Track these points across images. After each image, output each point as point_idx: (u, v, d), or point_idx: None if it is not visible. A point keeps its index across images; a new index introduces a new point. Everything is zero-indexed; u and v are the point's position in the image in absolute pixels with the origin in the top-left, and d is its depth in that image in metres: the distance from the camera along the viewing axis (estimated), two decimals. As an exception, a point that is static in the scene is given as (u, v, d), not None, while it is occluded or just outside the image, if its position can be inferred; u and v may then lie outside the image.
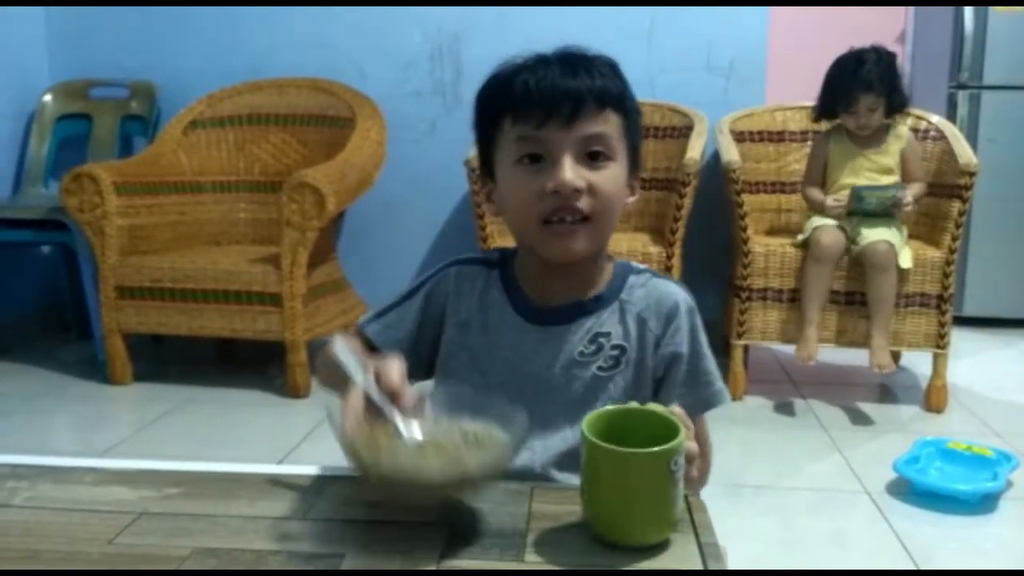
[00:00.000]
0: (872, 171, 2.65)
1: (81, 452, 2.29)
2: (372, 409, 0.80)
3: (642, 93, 1.02)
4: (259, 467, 0.93)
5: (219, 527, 0.79)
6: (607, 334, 0.97)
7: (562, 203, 0.90)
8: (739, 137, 2.90)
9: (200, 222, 3.06)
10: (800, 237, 2.64)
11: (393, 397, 0.81)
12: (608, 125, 0.92)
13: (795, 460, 2.28)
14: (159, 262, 2.73)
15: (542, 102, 0.90)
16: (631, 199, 0.99)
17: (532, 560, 0.72)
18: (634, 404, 0.82)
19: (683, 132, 2.83)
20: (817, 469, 2.22)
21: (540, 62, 0.93)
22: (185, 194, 3.03)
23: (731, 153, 2.71)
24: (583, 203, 0.91)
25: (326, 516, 0.81)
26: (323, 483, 0.87)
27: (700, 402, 0.98)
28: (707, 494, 0.99)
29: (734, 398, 2.60)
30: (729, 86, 3.12)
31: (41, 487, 0.87)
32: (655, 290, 0.98)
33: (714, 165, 2.85)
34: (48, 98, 3.22)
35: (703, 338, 0.99)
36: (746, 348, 2.70)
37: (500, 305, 0.98)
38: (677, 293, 0.98)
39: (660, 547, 0.74)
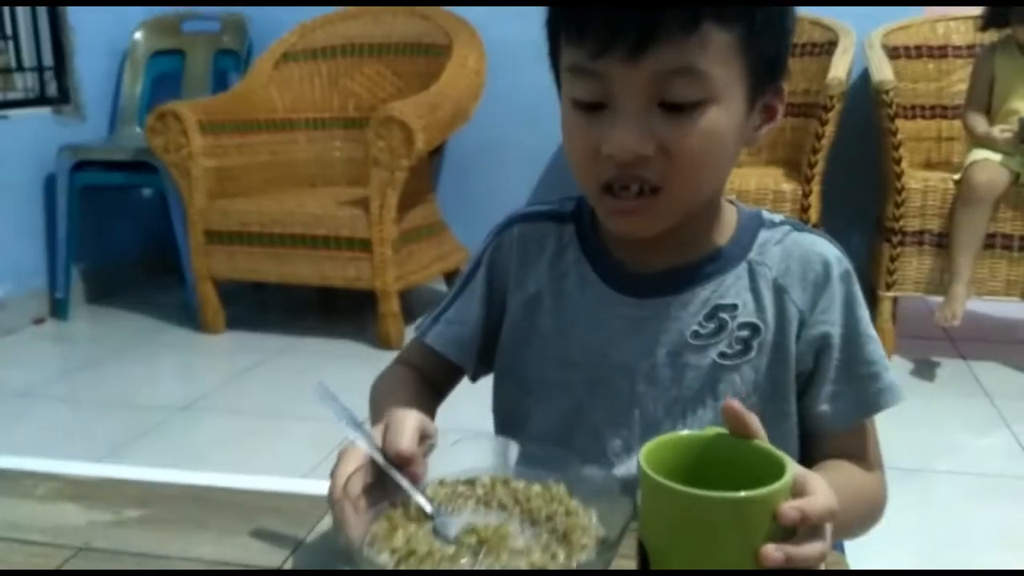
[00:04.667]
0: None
1: (161, 406, 2.20)
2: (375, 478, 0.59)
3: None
4: (252, 480, 0.73)
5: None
6: (732, 307, 0.72)
7: (622, 171, 0.65)
8: (893, 53, 2.66)
9: (293, 162, 2.93)
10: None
11: (403, 465, 0.59)
12: (706, 50, 0.62)
13: (954, 436, 2.03)
14: (246, 205, 2.61)
15: (598, 16, 0.62)
16: (765, 129, 0.71)
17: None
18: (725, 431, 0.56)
19: (826, 48, 2.60)
20: (981, 448, 1.98)
21: None
22: (277, 132, 2.90)
23: (884, 71, 2.45)
24: (652, 172, 0.64)
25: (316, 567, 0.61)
26: (326, 511, 0.65)
27: (861, 402, 0.73)
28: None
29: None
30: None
31: (-24, 502, 0.70)
32: (797, 247, 0.73)
33: (862, 87, 2.63)
34: (140, 35, 3.13)
35: (863, 313, 0.73)
36: (895, 300, 2.47)
37: (579, 272, 0.76)
38: (827, 251, 0.73)
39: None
